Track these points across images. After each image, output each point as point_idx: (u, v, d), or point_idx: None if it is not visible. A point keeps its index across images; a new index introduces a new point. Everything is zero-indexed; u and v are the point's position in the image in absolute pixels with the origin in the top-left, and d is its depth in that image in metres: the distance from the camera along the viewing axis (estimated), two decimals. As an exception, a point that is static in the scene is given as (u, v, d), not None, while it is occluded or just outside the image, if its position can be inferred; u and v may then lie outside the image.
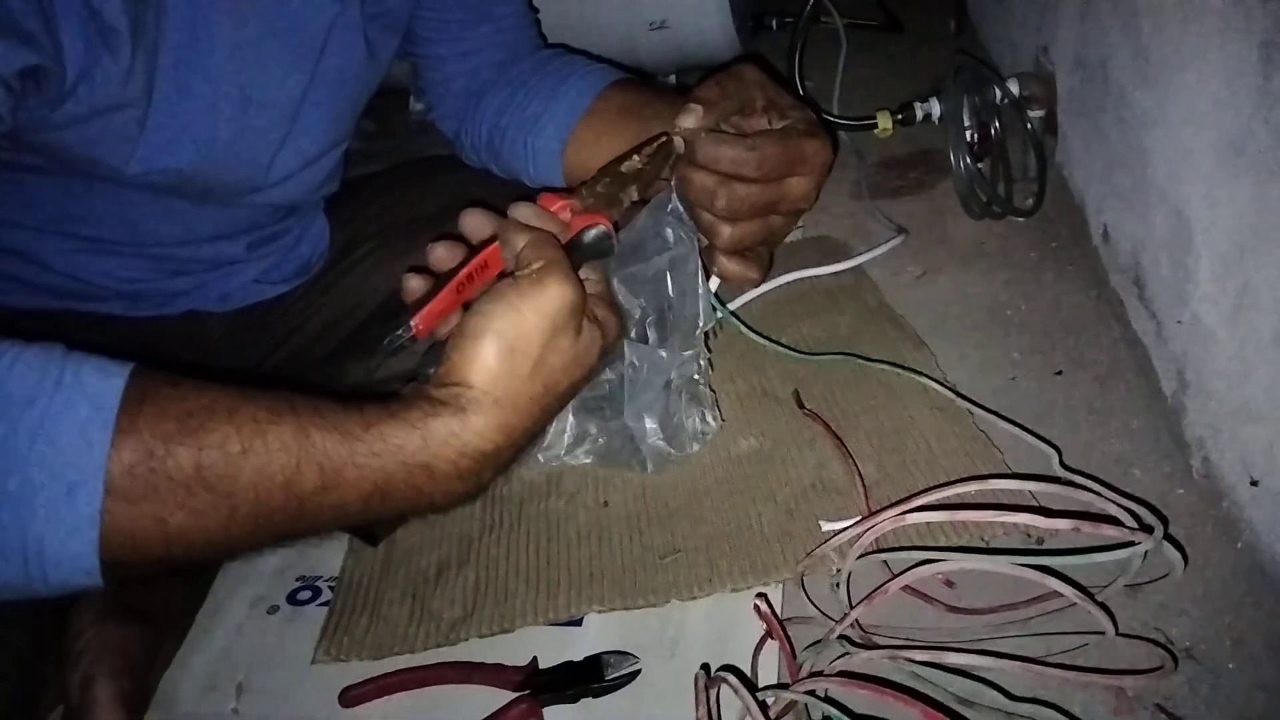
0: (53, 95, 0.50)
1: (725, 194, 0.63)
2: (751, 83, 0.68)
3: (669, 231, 0.67)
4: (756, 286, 0.74)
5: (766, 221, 0.68)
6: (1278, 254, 0.52)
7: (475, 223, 0.57)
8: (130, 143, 0.56)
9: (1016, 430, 0.68)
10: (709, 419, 0.71)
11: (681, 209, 0.67)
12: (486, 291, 0.51)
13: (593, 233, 0.56)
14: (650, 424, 0.69)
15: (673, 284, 0.68)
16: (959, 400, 0.72)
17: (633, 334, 0.68)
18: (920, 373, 0.74)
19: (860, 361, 0.77)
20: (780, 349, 0.79)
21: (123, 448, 0.41)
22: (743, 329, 0.80)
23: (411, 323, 0.52)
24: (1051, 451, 0.65)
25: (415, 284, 0.55)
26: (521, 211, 0.56)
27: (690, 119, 0.63)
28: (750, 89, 0.68)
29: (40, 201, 0.62)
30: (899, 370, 0.75)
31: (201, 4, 0.55)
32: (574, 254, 0.55)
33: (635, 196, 0.60)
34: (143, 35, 0.52)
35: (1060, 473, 0.63)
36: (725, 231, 0.66)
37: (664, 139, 0.64)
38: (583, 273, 0.55)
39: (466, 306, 0.53)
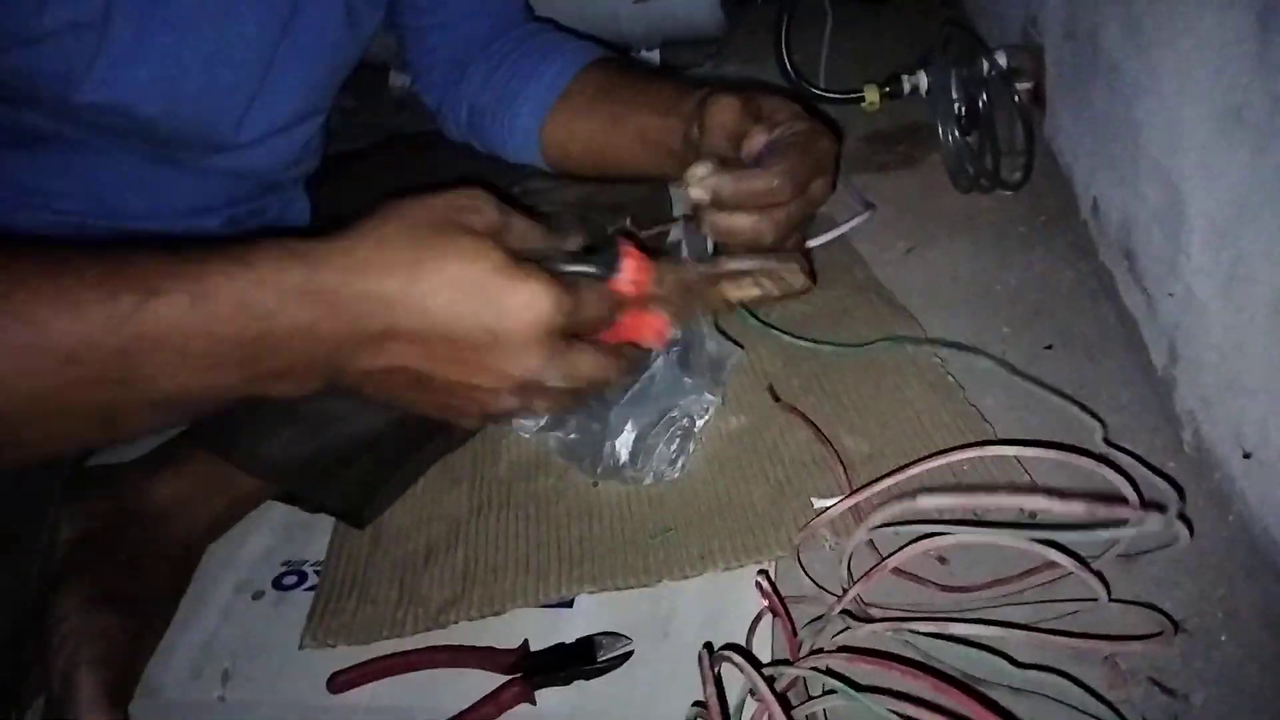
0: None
1: (770, 227, 0.61)
2: (731, 117, 0.65)
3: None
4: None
5: (801, 229, 0.67)
6: (1273, 224, 0.51)
7: None
8: (82, 69, 0.54)
9: (1061, 401, 0.66)
10: (678, 465, 0.69)
11: (688, 251, 0.67)
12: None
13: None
14: (628, 431, 0.68)
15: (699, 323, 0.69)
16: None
17: (665, 354, 0.69)
18: (974, 349, 0.73)
19: (911, 347, 0.74)
20: (829, 346, 0.76)
21: None
22: (779, 333, 0.78)
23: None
24: (1095, 425, 0.61)
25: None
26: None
27: (701, 169, 0.60)
28: (732, 123, 0.65)
29: (12, 173, 0.60)
30: (944, 348, 0.74)
31: None
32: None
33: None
34: None
35: (1102, 449, 0.60)
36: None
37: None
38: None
39: None
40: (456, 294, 0.44)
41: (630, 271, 0.50)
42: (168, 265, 0.42)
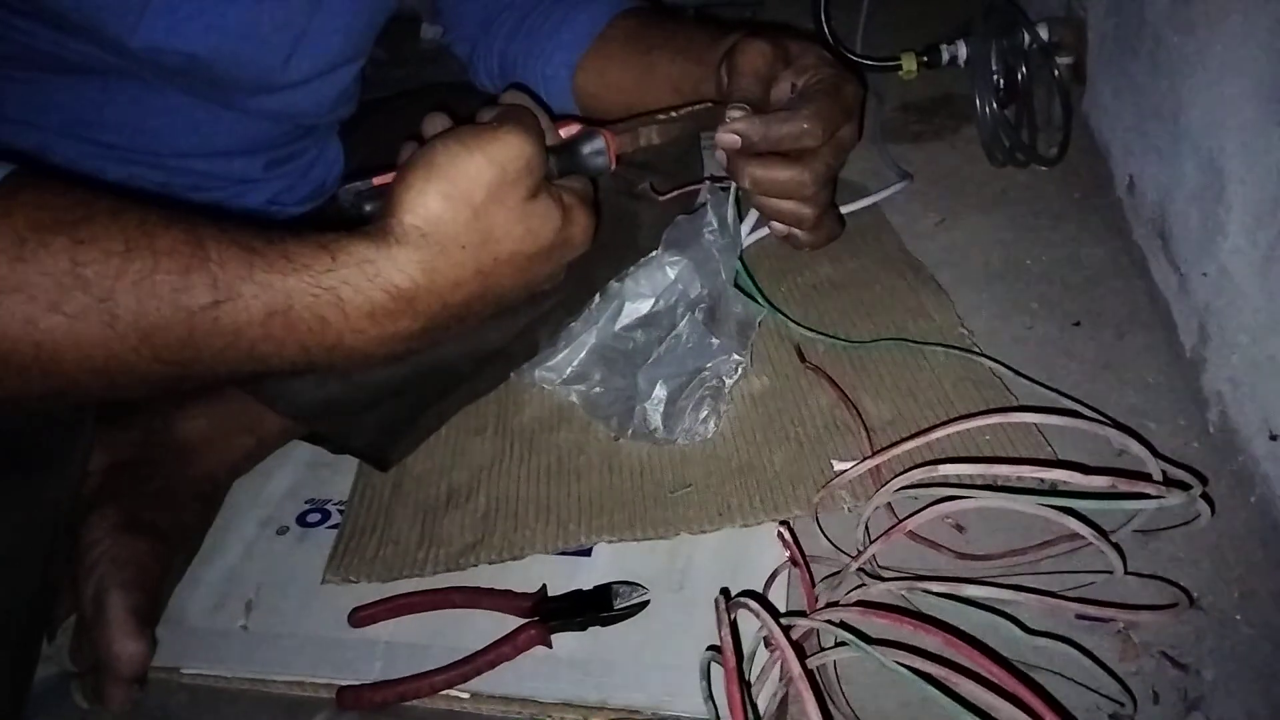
0: None
1: (810, 178, 0.60)
2: (760, 62, 0.64)
3: (713, 233, 0.69)
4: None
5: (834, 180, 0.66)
6: (1315, 205, 0.51)
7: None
8: (135, 13, 0.54)
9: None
10: (710, 424, 0.68)
11: (732, 215, 0.69)
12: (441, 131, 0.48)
13: (589, 144, 0.54)
14: (659, 393, 0.68)
15: (724, 278, 0.69)
16: (976, 347, 0.71)
17: (691, 314, 0.69)
18: (976, 352, 0.71)
19: (912, 345, 0.72)
20: (829, 339, 0.74)
21: None
22: (790, 324, 0.76)
23: (374, 181, 0.50)
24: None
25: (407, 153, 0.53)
26: (512, 95, 0.55)
27: (732, 113, 0.60)
28: (761, 68, 0.64)
29: (59, 103, 0.61)
30: (949, 350, 0.71)
31: None
32: (567, 159, 0.53)
33: (655, 139, 0.58)
34: None
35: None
36: (810, 213, 0.63)
37: (708, 103, 0.61)
38: (570, 179, 0.53)
39: None
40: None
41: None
42: (244, 265, 0.42)
